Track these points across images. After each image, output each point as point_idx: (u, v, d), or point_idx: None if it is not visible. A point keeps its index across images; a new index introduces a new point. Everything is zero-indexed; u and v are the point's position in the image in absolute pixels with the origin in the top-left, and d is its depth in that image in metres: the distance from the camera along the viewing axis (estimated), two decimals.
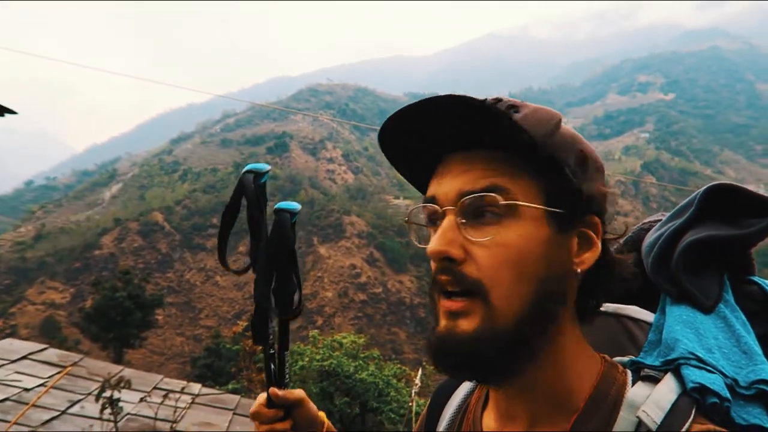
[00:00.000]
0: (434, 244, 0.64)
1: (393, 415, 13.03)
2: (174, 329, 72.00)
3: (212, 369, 29.30)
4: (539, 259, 0.64)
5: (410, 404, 11.33)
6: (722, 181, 0.83)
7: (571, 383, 0.68)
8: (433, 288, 0.67)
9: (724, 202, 0.82)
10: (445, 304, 0.65)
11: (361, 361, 13.92)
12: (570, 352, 0.68)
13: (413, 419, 11.69)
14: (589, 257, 0.66)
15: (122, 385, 3.01)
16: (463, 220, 0.65)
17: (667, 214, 0.90)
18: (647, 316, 0.84)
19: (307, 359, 13.18)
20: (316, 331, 16.51)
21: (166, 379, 5.34)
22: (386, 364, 15.70)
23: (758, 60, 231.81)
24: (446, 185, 0.67)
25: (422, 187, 0.74)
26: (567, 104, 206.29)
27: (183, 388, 4.32)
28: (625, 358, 0.73)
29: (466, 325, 0.63)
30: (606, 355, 0.72)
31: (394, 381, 14.07)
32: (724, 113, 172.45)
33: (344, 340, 14.79)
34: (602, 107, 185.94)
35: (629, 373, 0.69)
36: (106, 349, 35.03)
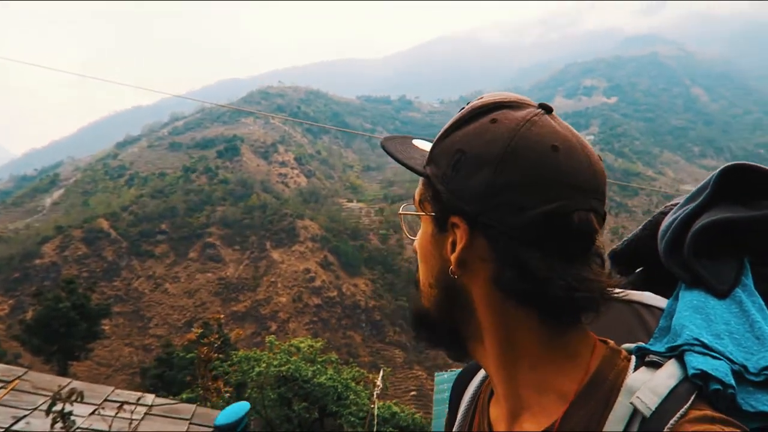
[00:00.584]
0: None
1: (353, 419, 12.93)
2: (122, 339, 69.62)
3: (163, 379, 28.44)
4: (431, 255, 0.74)
5: (371, 407, 11.27)
6: (738, 162, 0.81)
7: (543, 371, 0.69)
8: None
9: (740, 183, 0.80)
10: None
11: (319, 366, 13.77)
12: (517, 340, 0.69)
13: (375, 422, 11.63)
14: (453, 257, 0.69)
15: (75, 397, 2.83)
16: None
17: (686, 197, 0.88)
18: (660, 302, 0.84)
19: (264, 365, 12.93)
20: (272, 336, 16.24)
21: (118, 391, 5.10)
22: (344, 367, 15.59)
23: (693, 65, 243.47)
24: None
25: None
26: None
27: (139, 399, 4.13)
28: (632, 345, 0.73)
29: (416, 301, 0.77)
30: (611, 342, 0.72)
31: (353, 384, 13.98)
32: (664, 116, 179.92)
33: (301, 345, 14.61)
34: None
35: (633, 359, 0.69)
36: (49, 363, 33.54)
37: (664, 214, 0.90)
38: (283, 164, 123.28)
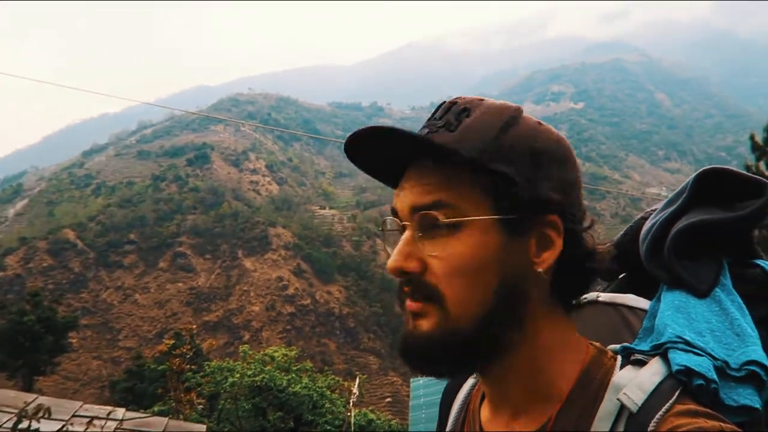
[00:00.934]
0: (391, 260, 0.69)
1: (329, 427, 12.83)
2: (90, 353, 67.97)
3: (134, 392, 27.87)
4: (493, 265, 0.66)
5: (348, 414, 11.19)
6: (714, 165, 0.84)
7: (552, 372, 0.70)
8: (399, 296, 0.71)
9: (717, 186, 0.83)
10: (409, 305, 0.69)
11: (293, 374, 13.64)
12: (546, 343, 0.69)
13: (351, 430, 11.55)
14: (549, 256, 0.68)
15: (41, 414, 2.74)
16: (420, 234, 0.68)
17: (664, 201, 0.91)
18: (644, 303, 0.86)
19: (237, 375, 12.76)
20: (246, 345, 16.03)
21: (87, 405, 4.95)
22: (319, 375, 15.48)
23: (656, 71, 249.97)
24: (402, 199, 0.71)
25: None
26: None
27: (109, 413, 4.02)
28: (618, 345, 0.75)
29: (425, 325, 0.67)
30: (597, 343, 0.74)
31: (329, 392, 13.88)
32: (629, 121, 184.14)
33: (276, 354, 14.46)
34: None
35: (619, 358, 0.71)
36: (13, 378, 32.52)
37: (644, 219, 0.93)
38: (254, 172, 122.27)
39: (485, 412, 0.78)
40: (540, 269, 0.67)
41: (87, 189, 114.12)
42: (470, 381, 0.87)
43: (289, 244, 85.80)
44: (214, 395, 14.03)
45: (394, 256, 0.68)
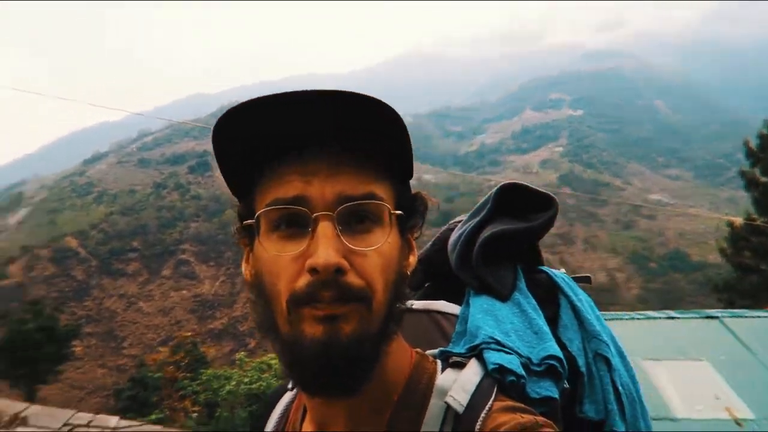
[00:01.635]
0: (326, 255, 0.58)
1: None
2: (95, 360, 67.85)
3: (137, 400, 27.90)
4: (396, 264, 0.65)
5: None
6: (511, 181, 0.93)
7: (390, 380, 0.69)
8: (299, 297, 0.60)
9: (515, 199, 0.93)
10: (322, 308, 0.59)
11: None
12: (392, 350, 0.67)
13: None
14: (413, 260, 0.70)
15: (16, 423, 2.86)
16: (341, 227, 0.61)
17: (469, 213, 0.98)
18: (455, 309, 0.91)
19: (234, 383, 12.82)
20: (242, 353, 16.11)
21: (79, 414, 5.07)
22: None
23: (653, 78, 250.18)
24: (320, 187, 0.61)
25: (238, 189, 0.70)
26: (485, 120, 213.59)
27: (89, 422, 4.13)
28: (436, 350, 0.77)
29: (348, 328, 0.60)
30: (418, 349, 0.75)
31: None
32: (628, 128, 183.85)
33: (273, 361, 14.50)
34: (519, 122, 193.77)
35: (439, 362, 0.73)
36: (16, 387, 32.61)
37: (450, 230, 1.00)
38: None
39: (308, 426, 0.75)
40: (407, 272, 0.69)
41: (88, 197, 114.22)
42: (287, 396, 0.85)
43: None
44: (212, 403, 14.09)
45: (327, 250, 0.59)
